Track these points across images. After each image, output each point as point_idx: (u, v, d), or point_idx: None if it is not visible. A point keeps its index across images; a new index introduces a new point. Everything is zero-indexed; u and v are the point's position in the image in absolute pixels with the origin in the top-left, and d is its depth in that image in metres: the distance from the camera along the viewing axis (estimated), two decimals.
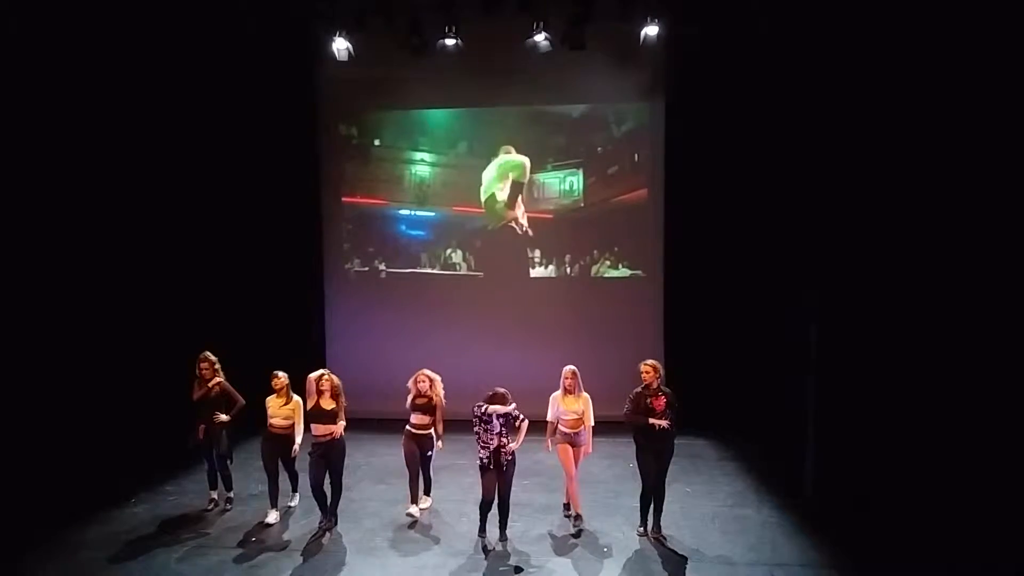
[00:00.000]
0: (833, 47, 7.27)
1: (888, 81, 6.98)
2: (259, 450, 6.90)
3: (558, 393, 6.76)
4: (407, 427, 6.91)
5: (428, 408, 6.82)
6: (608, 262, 10.08)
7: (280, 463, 6.90)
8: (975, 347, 6.77)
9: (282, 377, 6.79)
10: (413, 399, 6.85)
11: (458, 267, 10.34)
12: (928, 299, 6.91)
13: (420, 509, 7.01)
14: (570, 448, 6.72)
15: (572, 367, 6.75)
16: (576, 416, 6.67)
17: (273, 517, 6.88)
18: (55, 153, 8.03)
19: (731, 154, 9.17)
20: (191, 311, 9.10)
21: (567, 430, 6.72)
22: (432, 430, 6.89)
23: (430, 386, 6.83)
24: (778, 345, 8.31)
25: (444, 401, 6.93)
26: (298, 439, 6.82)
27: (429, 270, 10.34)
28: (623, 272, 10.06)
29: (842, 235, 7.20)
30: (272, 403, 6.83)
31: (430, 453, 6.98)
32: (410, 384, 6.87)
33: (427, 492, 7.26)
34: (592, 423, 6.78)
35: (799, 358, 7.34)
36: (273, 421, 6.79)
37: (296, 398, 6.82)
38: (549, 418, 6.79)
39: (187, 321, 8.86)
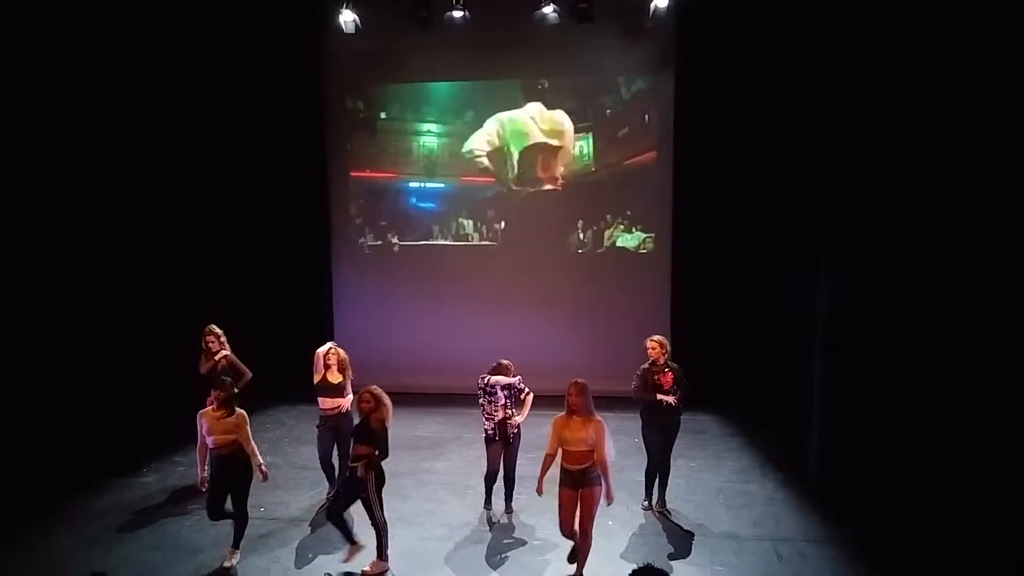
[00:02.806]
0: (847, 12, 7.10)
1: (906, 48, 6.79)
2: (263, 423, 6.88)
3: (560, 416, 5.24)
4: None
5: (369, 436, 5.42)
6: (622, 226, 9.99)
7: (229, 490, 5.65)
8: (992, 327, 6.65)
9: (220, 391, 5.63)
10: (361, 421, 5.54)
11: (470, 237, 10.30)
12: (943, 279, 6.78)
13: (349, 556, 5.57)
14: (573, 493, 5.11)
15: (580, 381, 5.15)
16: (584, 448, 5.04)
17: (235, 558, 5.73)
18: (65, 134, 8.01)
19: (742, 126, 9.03)
20: (201, 287, 9.12)
21: (571, 467, 5.09)
22: (367, 462, 5.42)
23: (375, 407, 5.46)
24: (786, 320, 8.26)
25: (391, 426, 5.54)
26: (257, 460, 5.64)
27: (441, 241, 10.30)
28: (637, 237, 9.93)
29: (856, 207, 7.07)
30: (208, 416, 5.62)
31: (364, 495, 5.48)
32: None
33: (381, 555, 5.58)
34: (612, 457, 5.17)
35: (807, 333, 7.29)
36: (211, 439, 5.56)
37: (240, 411, 5.65)
38: (547, 450, 5.25)
39: (197, 296, 8.89)
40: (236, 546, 5.77)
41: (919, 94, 6.75)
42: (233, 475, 5.64)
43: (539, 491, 5.40)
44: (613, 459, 5.22)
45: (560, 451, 5.18)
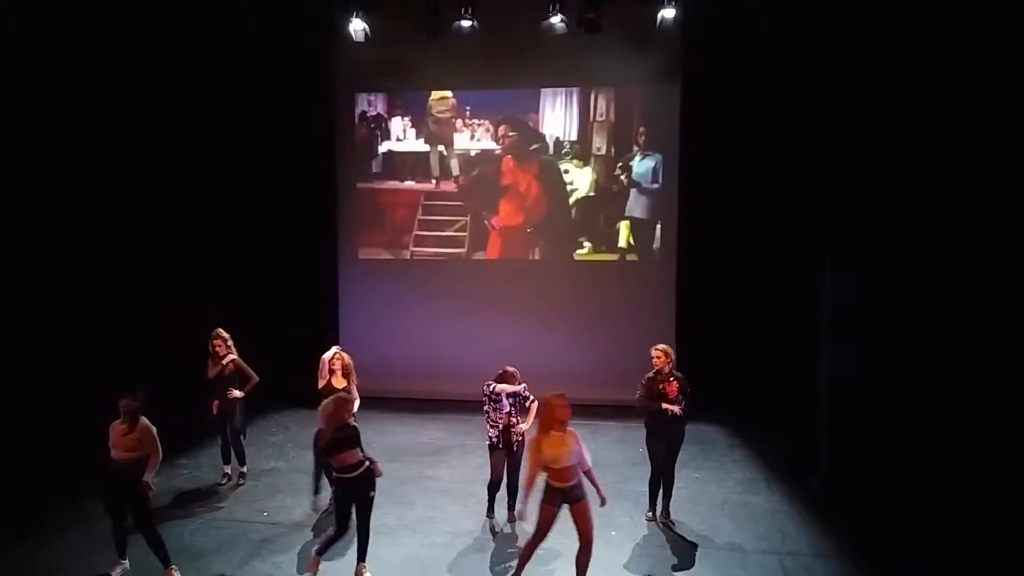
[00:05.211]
0: (850, 24, 7.12)
1: (913, 64, 6.80)
2: (268, 428, 6.89)
3: (533, 437, 5.17)
4: (335, 474, 5.36)
5: (353, 439, 5.31)
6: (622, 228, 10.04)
7: (127, 508, 5.40)
8: (998, 338, 6.60)
9: (130, 399, 5.35)
10: (333, 433, 5.26)
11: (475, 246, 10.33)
12: (951, 289, 6.74)
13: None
14: (556, 511, 5.06)
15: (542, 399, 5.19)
16: (568, 463, 4.98)
17: (118, 571, 5.55)
18: (75, 138, 8.11)
19: (747, 136, 9.05)
20: (208, 292, 9.16)
21: (559, 484, 5.00)
22: (369, 466, 5.32)
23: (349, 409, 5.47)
24: (791, 330, 8.23)
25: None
26: (149, 475, 5.31)
27: (446, 250, 10.34)
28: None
29: (860, 216, 7.05)
30: (114, 429, 5.38)
31: (372, 494, 5.43)
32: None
33: (362, 558, 5.53)
34: (590, 463, 5.15)
35: (813, 344, 7.27)
36: (114, 453, 5.34)
37: (144, 423, 5.36)
38: (529, 474, 5.09)
39: (204, 301, 8.92)
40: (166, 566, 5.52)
41: (925, 106, 6.75)
42: (131, 493, 5.32)
43: (522, 517, 5.28)
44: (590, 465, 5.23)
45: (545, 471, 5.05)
